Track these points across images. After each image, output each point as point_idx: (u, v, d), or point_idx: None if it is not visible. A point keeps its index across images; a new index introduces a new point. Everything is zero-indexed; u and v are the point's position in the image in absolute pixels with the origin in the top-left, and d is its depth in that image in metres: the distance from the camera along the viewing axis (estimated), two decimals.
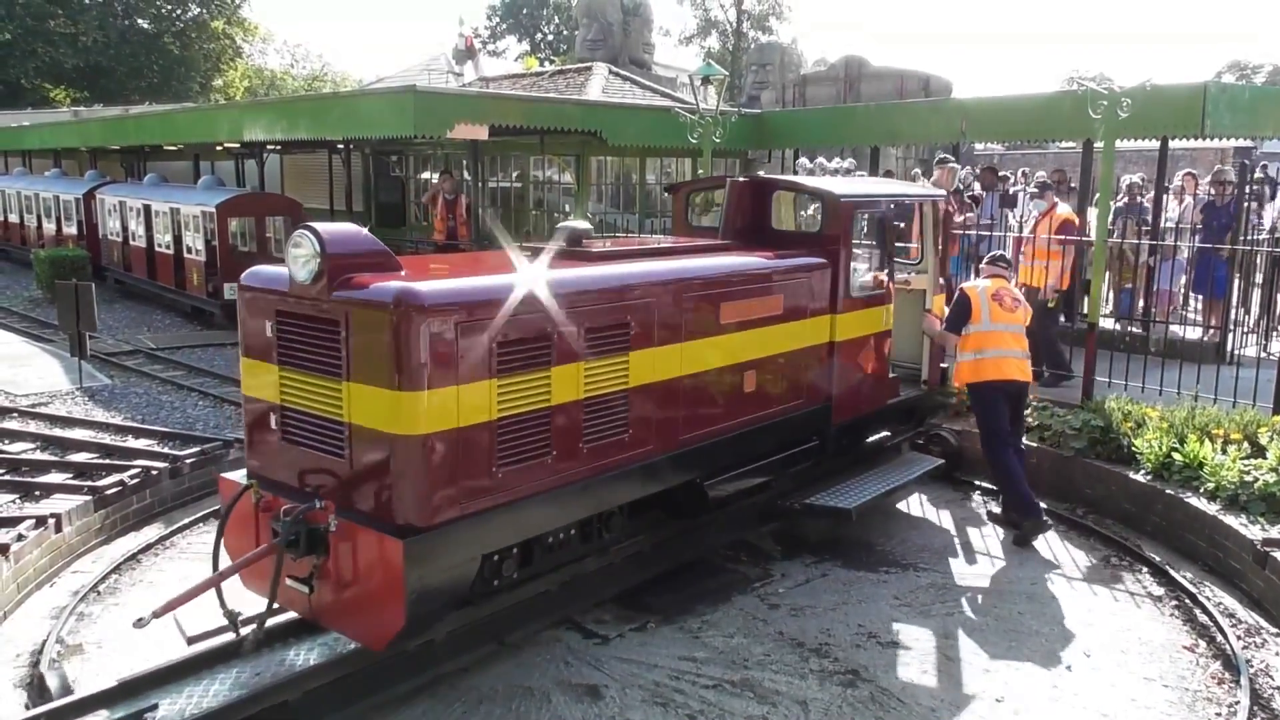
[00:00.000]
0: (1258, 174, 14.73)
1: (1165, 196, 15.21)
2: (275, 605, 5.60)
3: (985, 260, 9.58)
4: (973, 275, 11.99)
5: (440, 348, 5.30)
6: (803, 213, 9.82)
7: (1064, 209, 12.43)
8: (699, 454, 7.16)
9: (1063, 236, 11.86)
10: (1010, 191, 16.52)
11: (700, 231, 9.14)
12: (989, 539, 8.77)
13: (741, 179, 9.00)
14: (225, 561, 5.85)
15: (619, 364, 6.42)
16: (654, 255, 7.40)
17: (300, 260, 5.51)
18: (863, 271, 8.71)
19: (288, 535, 5.45)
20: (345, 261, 5.48)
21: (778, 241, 8.55)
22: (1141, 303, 13.78)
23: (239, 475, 6.20)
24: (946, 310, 9.26)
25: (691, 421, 7.05)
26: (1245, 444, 8.67)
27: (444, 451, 5.38)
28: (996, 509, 9.25)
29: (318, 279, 5.45)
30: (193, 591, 5.38)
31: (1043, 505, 8.96)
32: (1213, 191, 13.94)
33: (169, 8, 53.06)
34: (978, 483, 9.97)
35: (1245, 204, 13.03)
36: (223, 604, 5.71)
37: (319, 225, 5.56)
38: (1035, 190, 14.01)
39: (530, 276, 5.96)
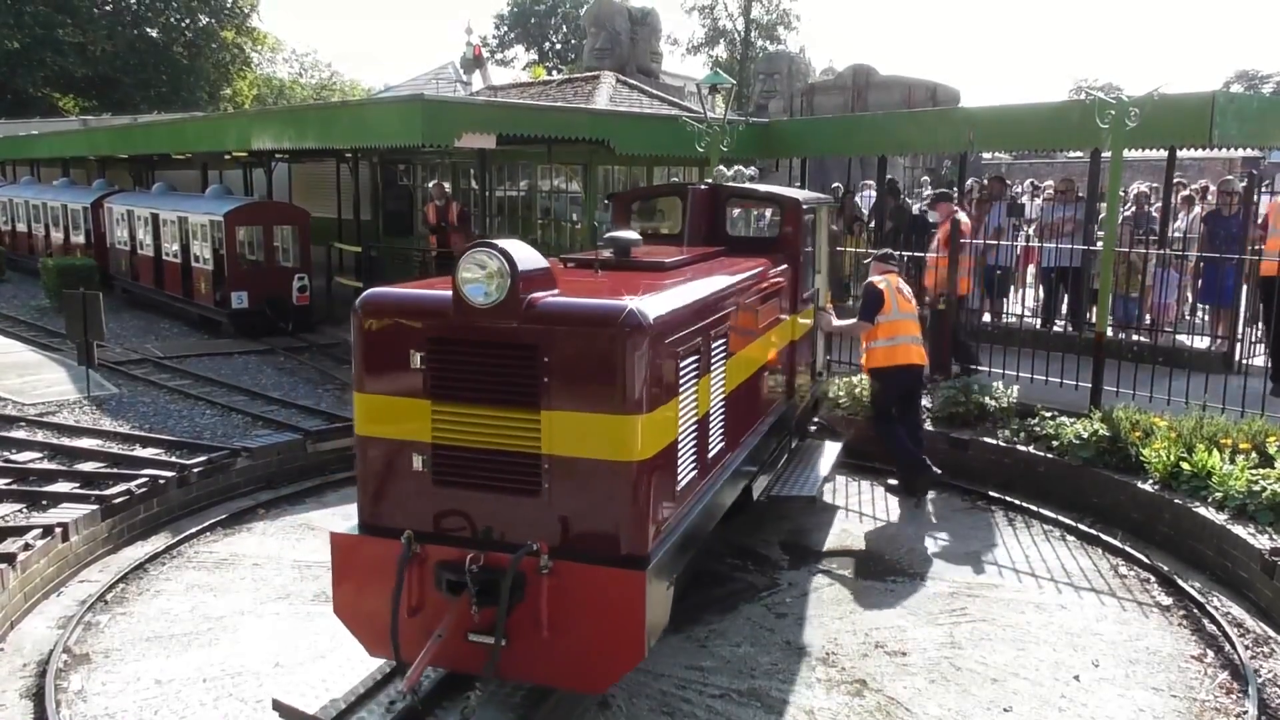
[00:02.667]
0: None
1: (1172, 204, 15.18)
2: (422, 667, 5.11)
3: (876, 258, 10.33)
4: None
5: (655, 368, 5.09)
6: (758, 218, 9.99)
7: (959, 218, 12.84)
8: (751, 454, 7.37)
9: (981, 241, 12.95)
10: (1018, 201, 16.52)
11: (654, 239, 9.21)
12: (995, 547, 8.75)
13: (701, 187, 9.08)
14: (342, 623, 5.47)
15: (724, 371, 6.53)
16: (696, 263, 7.48)
17: (484, 280, 4.99)
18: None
19: (479, 583, 4.97)
20: (532, 280, 5.07)
21: (737, 247, 8.76)
22: (1139, 310, 13.75)
23: (349, 528, 5.57)
24: (831, 307, 10.32)
25: (744, 424, 7.28)
26: (1253, 453, 8.64)
27: (656, 475, 5.20)
28: (894, 482, 10.13)
29: (507, 300, 4.99)
30: (422, 662, 4.98)
31: (1047, 513, 8.97)
32: (1219, 201, 13.91)
33: (178, 17, 53.23)
34: (988, 492, 9.97)
35: (1254, 213, 12.99)
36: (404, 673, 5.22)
37: (498, 242, 5.07)
38: (929, 201, 14.97)
39: (691, 290, 5.92)
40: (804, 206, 8.85)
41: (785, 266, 8.46)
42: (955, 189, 16.51)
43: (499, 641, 4.97)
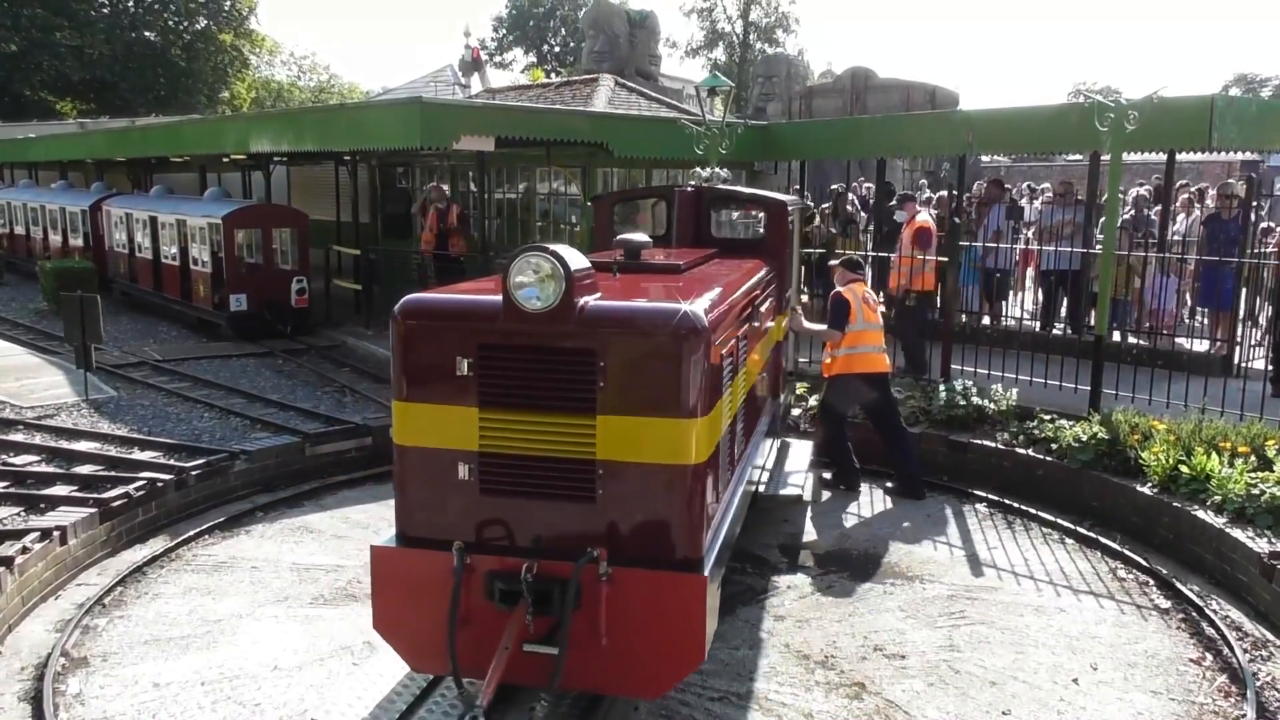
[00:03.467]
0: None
1: (1172, 208, 15.19)
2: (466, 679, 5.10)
3: (842, 264, 10.33)
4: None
5: (707, 370, 5.06)
6: (739, 220, 10.03)
7: (923, 217, 13.19)
8: (754, 454, 7.47)
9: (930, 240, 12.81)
10: (1017, 203, 16.53)
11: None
12: (994, 550, 8.74)
13: (687, 189, 9.11)
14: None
15: (745, 372, 6.59)
16: (703, 264, 7.50)
17: (537, 285, 4.90)
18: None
19: (535, 592, 4.89)
20: (582, 284, 5.01)
21: (725, 249, 8.78)
22: (1137, 314, 13.77)
23: (386, 540, 5.40)
24: (800, 308, 10.42)
25: (753, 424, 7.37)
26: (1252, 457, 8.64)
27: (708, 477, 5.20)
28: (891, 485, 10.29)
29: (561, 305, 4.89)
30: (494, 677, 4.84)
31: (1046, 516, 9.00)
32: (1218, 204, 13.92)
33: (176, 20, 53.22)
34: (980, 493, 9.97)
35: (1255, 217, 13.00)
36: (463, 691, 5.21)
37: (549, 245, 4.98)
38: (895, 202, 15.48)
39: (724, 292, 5.88)
40: (791, 210, 8.95)
41: (772, 268, 8.53)
42: (956, 192, 16.52)
43: (563, 651, 4.90)
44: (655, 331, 4.90)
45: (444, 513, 5.26)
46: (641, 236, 7.27)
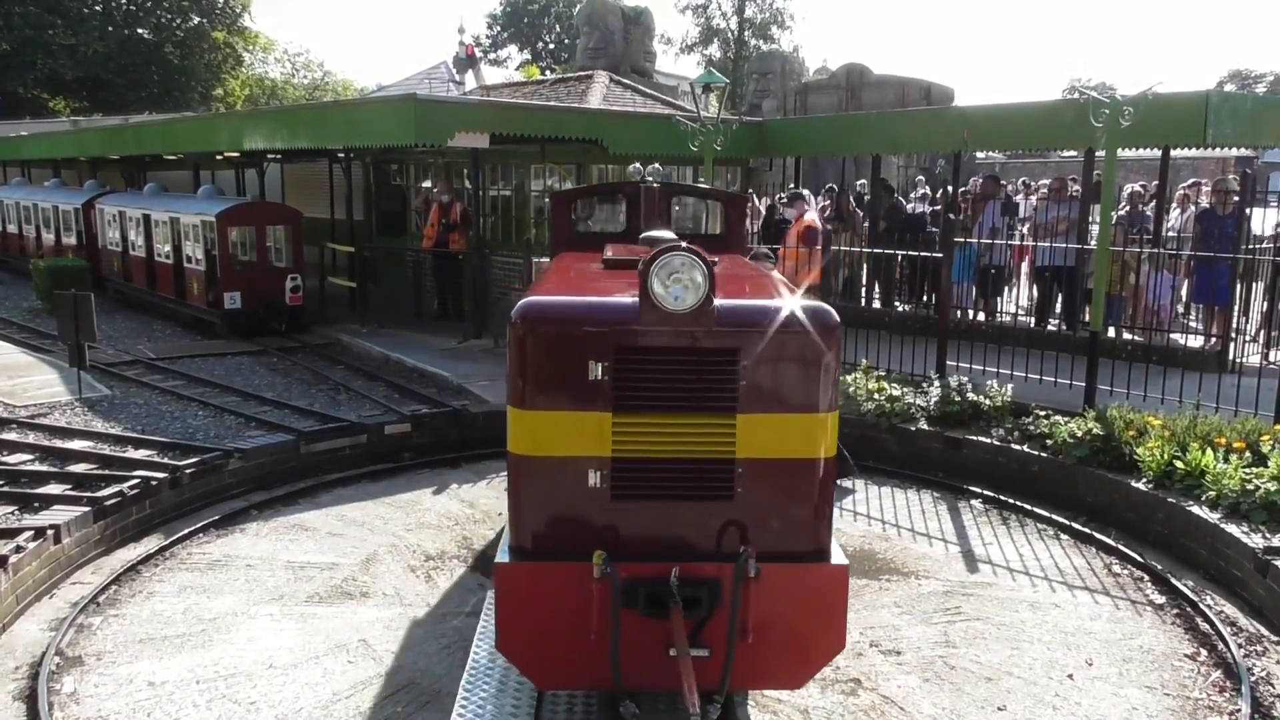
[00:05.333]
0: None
1: (1168, 205, 15.21)
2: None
3: (751, 259, 10.24)
4: None
5: (837, 365, 5.14)
6: (703, 215, 10.04)
7: (810, 216, 13.47)
8: None
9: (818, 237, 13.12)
10: (1012, 200, 16.55)
11: (594, 238, 9.17)
12: (989, 546, 8.75)
13: (655, 185, 9.10)
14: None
15: None
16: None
17: (683, 285, 4.83)
18: None
19: (686, 595, 4.85)
20: (719, 283, 4.99)
21: (693, 244, 8.67)
22: (1132, 310, 13.79)
23: (505, 556, 5.19)
24: None
25: None
26: (1247, 452, 8.64)
27: (833, 469, 5.26)
28: None
29: (703, 305, 4.85)
30: (690, 683, 4.73)
31: (1041, 512, 9.03)
32: (1213, 200, 13.94)
33: (169, 17, 53.09)
34: (975, 489, 9.98)
35: (1248, 213, 13.02)
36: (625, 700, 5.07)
37: (684, 244, 4.94)
38: (785, 200, 15.82)
39: (781, 286, 5.93)
40: (748, 203, 8.89)
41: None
42: (950, 187, 16.53)
43: (732, 650, 4.89)
44: (800, 329, 4.94)
45: (571, 523, 5.10)
46: (668, 233, 7.27)
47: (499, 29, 70.70)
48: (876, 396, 11.14)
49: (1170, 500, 8.57)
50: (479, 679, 6.00)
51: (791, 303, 5.09)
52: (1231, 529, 7.88)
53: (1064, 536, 9.00)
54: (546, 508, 5.09)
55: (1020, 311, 15.27)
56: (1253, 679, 6.45)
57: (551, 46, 70.31)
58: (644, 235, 7.27)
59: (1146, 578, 8.11)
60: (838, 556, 5.20)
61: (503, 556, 5.14)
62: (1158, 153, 14.54)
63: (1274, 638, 7.08)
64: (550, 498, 5.08)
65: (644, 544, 5.06)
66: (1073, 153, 21.51)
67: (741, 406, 4.93)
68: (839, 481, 9.87)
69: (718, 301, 4.90)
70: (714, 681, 5.01)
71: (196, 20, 53.79)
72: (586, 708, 5.76)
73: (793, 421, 4.98)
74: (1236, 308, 13.24)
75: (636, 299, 4.91)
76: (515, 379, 5.03)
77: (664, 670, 4.88)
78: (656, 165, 9.34)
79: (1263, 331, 13.64)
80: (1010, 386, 11.05)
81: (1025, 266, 16.57)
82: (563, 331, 4.97)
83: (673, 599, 4.85)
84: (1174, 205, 16.04)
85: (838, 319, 5.05)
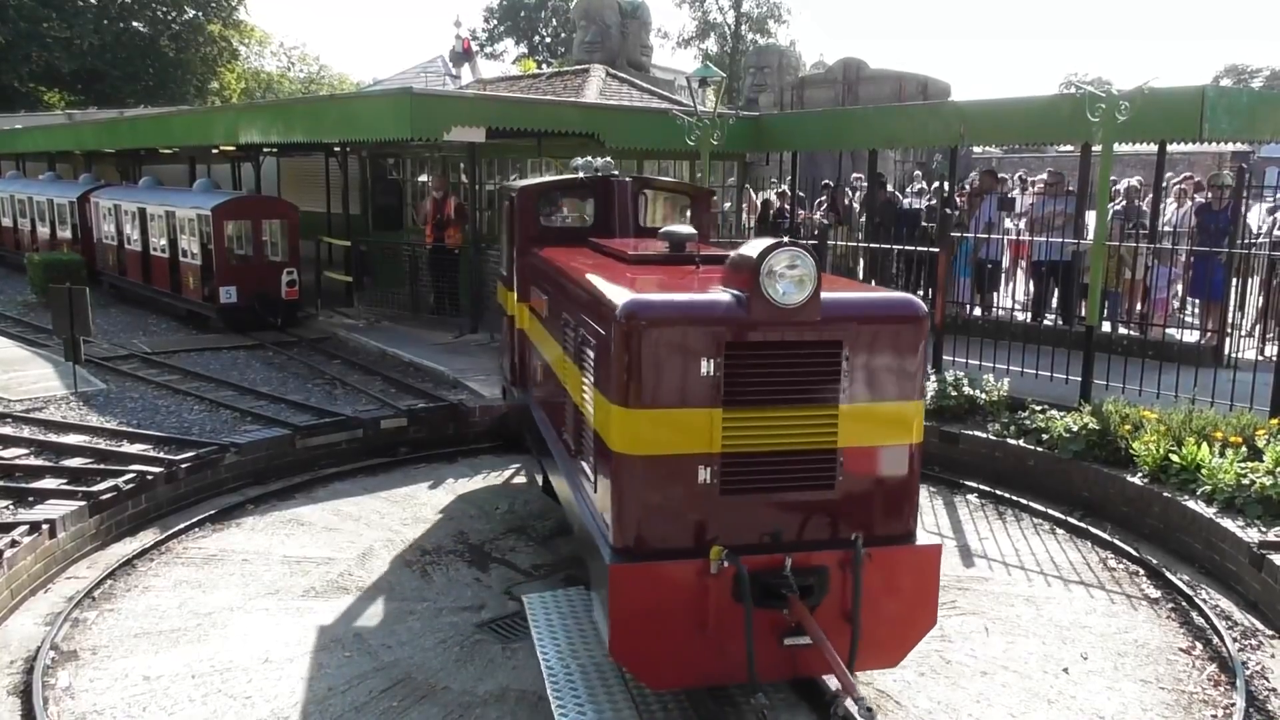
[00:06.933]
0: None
1: (1164, 200, 15.20)
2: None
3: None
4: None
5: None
6: (669, 208, 10.04)
7: None
8: None
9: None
10: (1008, 195, 16.53)
11: (565, 233, 9.15)
12: (985, 541, 8.76)
13: (627, 179, 9.09)
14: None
15: None
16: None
17: (796, 281, 4.95)
18: None
19: (801, 584, 5.02)
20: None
21: (652, 236, 8.65)
22: (1128, 305, 13.78)
23: (613, 557, 5.16)
24: None
25: None
26: (1242, 447, 8.66)
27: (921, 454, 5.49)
28: None
29: (811, 299, 4.99)
30: (839, 670, 4.93)
31: (1037, 506, 9.06)
32: (1209, 195, 13.93)
33: (164, 11, 52.88)
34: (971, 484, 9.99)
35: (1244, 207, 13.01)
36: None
37: (788, 240, 5.11)
38: None
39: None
40: (713, 196, 8.86)
41: None
42: (947, 182, 16.52)
43: (857, 634, 5.10)
44: (898, 319, 5.17)
45: (680, 520, 5.14)
46: (687, 229, 7.28)
47: (495, 23, 70.50)
48: None
49: (1166, 495, 8.58)
50: (562, 686, 6.01)
51: (885, 294, 5.35)
52: (1227, 523, 7.89)
53: (1060, 531, 9.01)
54: (655, 507, 5.12)
55: (1017, 306, 15.27)
56: (1247, 673, 6.46)
57: (548, 41, 70.12)
58: (663, 231, 7.35)
59: (1142, 572, 8.12)
60: (925, 537, 5.43)
61: (608, 559, 5.14)
62: (1154, 148, 14.52)
63: (1269, 632, 7.09)
64: (660, 496, 5.11)
65: (752, 537, 5.18)
66: (1069, 148, 21.50)
67: (844, 397, 5.11)
68: None
69: (823, 295, 5.03)
70: (823, 666, 5.20)
71: (192, 14, 53.57)
72: (679, 706, 5.82)
73: (890, 410, 5.19)
74: (1232, 302, 13.24)
75: (737, 295, 5.05)
76: (619, 379, 5.06)
77: (778, 660, 5.09)
78: (608, 159, 9.29)
79: (1258, 326, 13.65)
80: (1006, 381, 11.05)
81: (1022, 261, 16.56)
82: (675, 330, 5.00)
83: (790, 588, 5.01)
84: (1170, 200, 16.02)
85: (926, 308, 5.29)
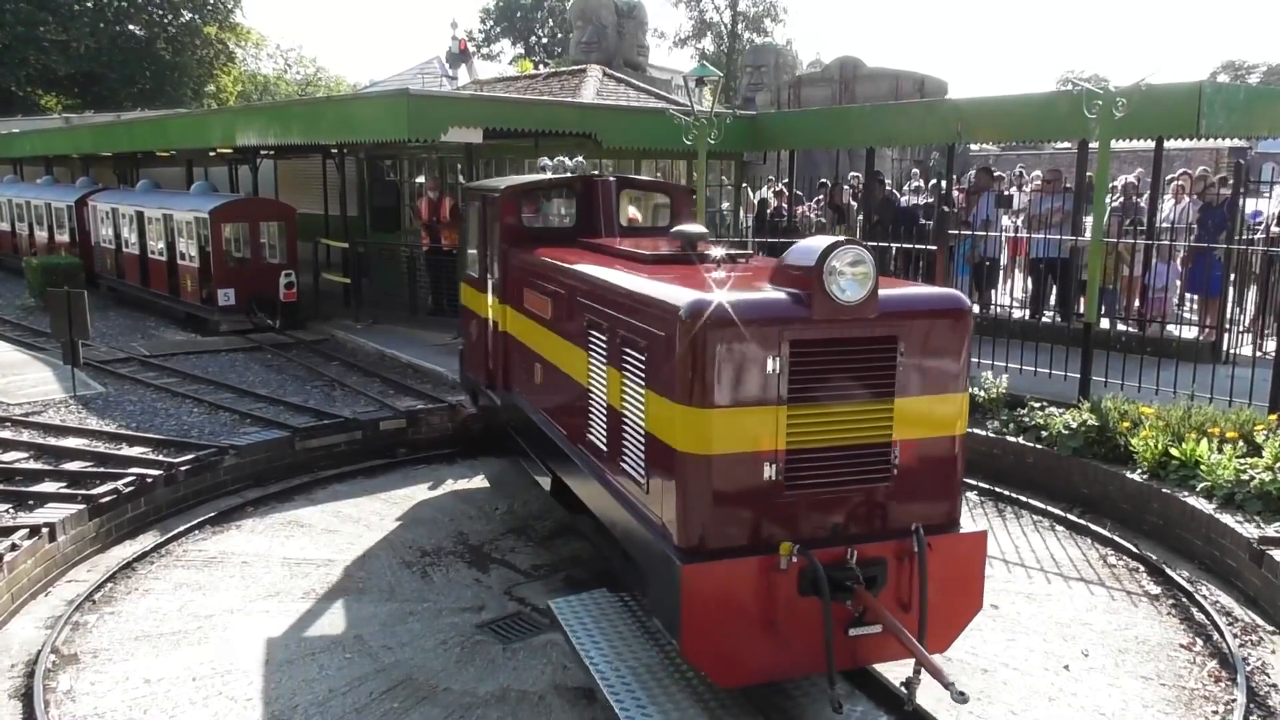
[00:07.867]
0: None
1: (1162, 196, 15.20)
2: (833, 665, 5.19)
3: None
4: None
5: None
6: (647, 206, 10.06)
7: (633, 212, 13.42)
8: None
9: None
10: (1006, 192, 16.54)
11: (546, 232, 9.12)
12: None
13: (609, 179, 9.08)
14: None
15: None
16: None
17: (858, 279, 5.06)
18: None
19: (866, 575, 5.17)
20: None
21: (638, 235, 8.74)
22: (1126, 301, 13.78)
23: (681, 558, 5.14)
24: None
25: None
26: (1241, 443, 8.66)
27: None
28: None
29: (869, 296, 5.11)
30: (933, 668, 4.98)
31: (1036, 503, 9.05)
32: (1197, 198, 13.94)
33: (161, 13, 52.86)
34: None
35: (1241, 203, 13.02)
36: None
37: (844, 238, 5.17)
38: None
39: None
40: (693, 195, 8.97)
41: None
42: (944, 180, 16.52)
43: (924, 622, 5.22)
44: (948, 314, 5.34)
45: (746, 517, 5.21)
46: (699, 227, 7.30)
47: (492, 24, 70.45)
48: None
49: (1165, 491, 8.58)
50: (619, 690, 6.03)
51: (933, 290, 5.50)
52: (1226, 519, 7.89)
53: (1059, 528, 9.01)
54: (722, 505, 5.16)
55: (1015, 304, 15.26)
56: (1248, 669, 6.46)
57: (545, 41, 70.08)
58: (674, 230, 7.41)
59: (1142, 568, 8.12)
60: (970, 525, 5.57)
61: (677, 559, 5.14)
62: (1151, 144, 14.52)
63: (1269, 627, 7.09)
64: (726, 495, 5.15)
65: (814, 531, 5.30)
66: (1067, 144, 21.53)
67: (899, 391, 5.24)
68: None
69: (880, 292, 5.15)
70: (883, 655, 5.41)
71: (188, 16, 53.56)
72: (736, 702, 5.88)
73: (940, 402, 5.33)
74: (1231, 298, 13.25)
75: (798, 294, 5.14)
76: (683, 380, 5.10)
77: (841, 650, 5.19)
78: (580, 158, 9.27)
79: (1257, 321, 13.65)
80: (1005, 378, 11.05)
81: (1020, 258, 16.57)
82: (742, 330, 5.03)
83: (857, 580, 5.14)
84: (1168, 196, 16.03)
85: (970, 303, 5.42)
